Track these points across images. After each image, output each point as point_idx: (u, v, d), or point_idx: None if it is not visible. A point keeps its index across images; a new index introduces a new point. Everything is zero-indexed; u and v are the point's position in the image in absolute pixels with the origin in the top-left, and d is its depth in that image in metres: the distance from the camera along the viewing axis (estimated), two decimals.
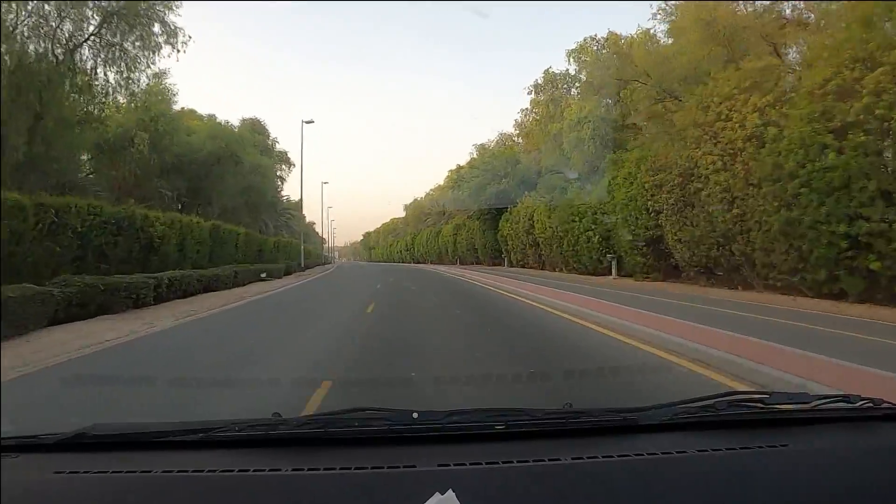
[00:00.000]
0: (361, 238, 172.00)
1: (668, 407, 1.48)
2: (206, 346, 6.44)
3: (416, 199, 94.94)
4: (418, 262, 65.41)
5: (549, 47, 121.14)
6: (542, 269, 28.54)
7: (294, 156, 60.00)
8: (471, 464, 1.24)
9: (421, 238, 64.12)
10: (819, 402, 1.42)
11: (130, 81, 18.04)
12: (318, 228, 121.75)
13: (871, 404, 1.39)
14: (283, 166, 46.04)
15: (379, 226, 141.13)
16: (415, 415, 1.41)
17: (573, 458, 1.27)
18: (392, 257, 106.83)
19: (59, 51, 15.41)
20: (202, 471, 1.25)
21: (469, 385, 4.82)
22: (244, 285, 17.84)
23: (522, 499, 1.13)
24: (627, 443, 1.36)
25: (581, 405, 1.49)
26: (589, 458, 1.29)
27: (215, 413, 2.53)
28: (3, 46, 14.36)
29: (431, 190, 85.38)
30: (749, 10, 19.01)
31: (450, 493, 1.09)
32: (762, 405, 1.45)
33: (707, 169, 12.60)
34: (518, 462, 1.25)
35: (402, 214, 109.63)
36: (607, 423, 1.44)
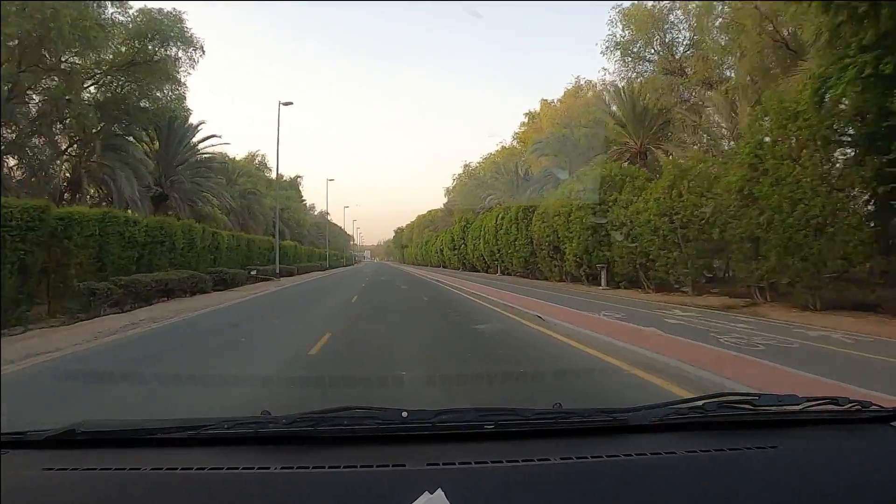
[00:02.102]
0: (394, 235, 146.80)
1: (658, 408, 1.46)
2: None
3: (467, 167, 64.78)
4: (474, 270, 42.42)
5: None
6: None
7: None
8: (460, 463, 1.23)
9: (484, 226, 37.99)
10: (808, 404, 1.46)
11: None
12: (333, 222, 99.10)
13: (859, 406, 1.44)
14: (179, 51, 22.06)
15: (413, 219, 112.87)
16: (404, 414, 1.39)
17: (562, 458, 1.26)
18: (428, 257, 78.22)
19: None
20: (191, 468, 1.22)
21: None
22: None
23: (511, 499, 1.13)
24: (617, 443, 1.36)
25: (570, 405, 1.46)
26: (578, 458, 1.27)
27: None
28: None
29: (494, 152, 59.33)
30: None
31: (439, 492, 1.08)
32: (751, 407, 1.46)
33: None
34: (507, 462, 1.24)
35: (441, 203, 79.35)
36: (597, 424, 1.42)
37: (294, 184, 70.35)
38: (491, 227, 33.95)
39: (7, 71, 14.46)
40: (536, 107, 45.57)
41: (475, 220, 41.19)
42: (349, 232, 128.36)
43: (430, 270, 49.32)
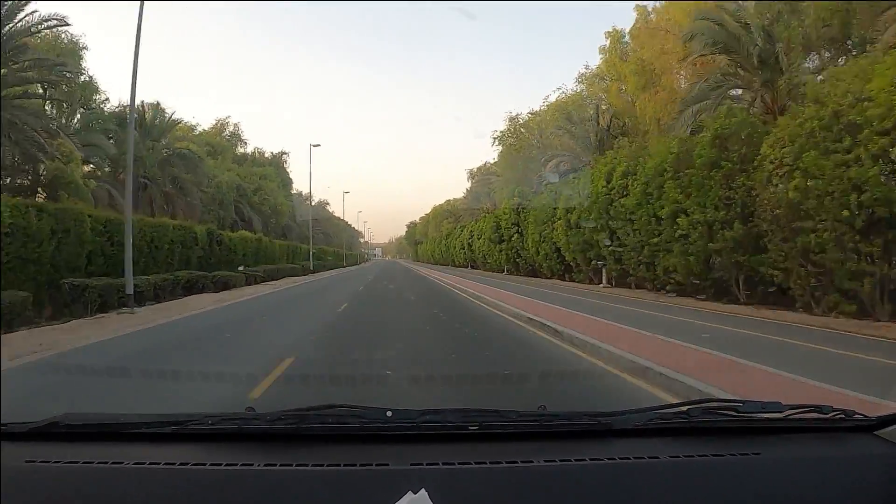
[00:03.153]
0: (406, 230, 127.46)
1: (643, 412, 1.50)
2: None
3: (514, 120, 44.87)
4: (534, 274, 29.17)
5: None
6: None
7: None
8: (443, 464, 1.25)
9: (564, 199, 22.88)
10: (792, 411, 1.53)
11: None
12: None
13: (843, 415, 1.50)
14: None
15: (428, 211, 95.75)
16: (389, 413, 1.42)
17: (546, 461, 1.28)
18: (450, 254, 59.87)
19: None
20: (174, 463, 1.25)
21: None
22: None
23: (494, 500, 1.17)
24: (601, 447, 1.41)
25: (555, 408, 1.58)
26: (562, 461, 1.29)
27: None
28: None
29: (551, 104, 41.34)
30: None
31: (422, 492, 1.08)
32: (735, 413, 1.51)
33: None
34: (491, 463, 1.26)
35: (464, 189, 63.95)
36: (581, 427, 1.46)
37: (277, 161, 53.87)
38: (599, 192, 19.90)
39: None
40: (622, 25, 29.15)
41: (538, 196, 25.49)
42: (358, 228, 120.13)
43: (457, 274, 35.00)
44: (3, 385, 4.68)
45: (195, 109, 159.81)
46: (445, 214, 78.95)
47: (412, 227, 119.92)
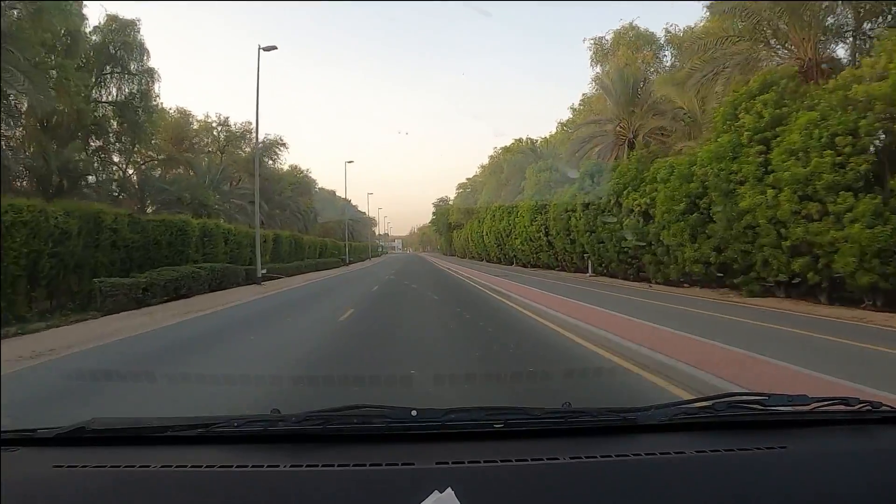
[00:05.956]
0: (432, 214, 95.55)
1: (668, 407, 1.55)
2: None
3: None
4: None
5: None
6: None
7: None
8: (469, 462, 1.30)
9: None
10: (818, 404, 1.57)
11: None
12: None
13: (869, 407, 1.53)
14: None
15: (476, 173, 71.26)
16: (414, 412, 1.48)
17: (571, 458, 1.34)
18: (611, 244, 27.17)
19: None
20: (201, 466, 1.30)
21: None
22: None
23: (521, 498, 1.21)
24: (626, 443, 1.44)
25: (580, 404, 1.63)
26: (587, 457, 1.35)
27: None
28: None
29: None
30: None
31: (448, 491, 1.12)
32: (761, 407, 1.55)
33: None
34: (516, 461, 1.32)
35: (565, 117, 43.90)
36: (606, 423, 1.51)
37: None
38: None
39: None
40: None
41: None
42: (374, 219, 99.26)
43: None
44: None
45: (203, 107, 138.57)
46: (500, 169, 48.36)
47: (442, 207, 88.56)
